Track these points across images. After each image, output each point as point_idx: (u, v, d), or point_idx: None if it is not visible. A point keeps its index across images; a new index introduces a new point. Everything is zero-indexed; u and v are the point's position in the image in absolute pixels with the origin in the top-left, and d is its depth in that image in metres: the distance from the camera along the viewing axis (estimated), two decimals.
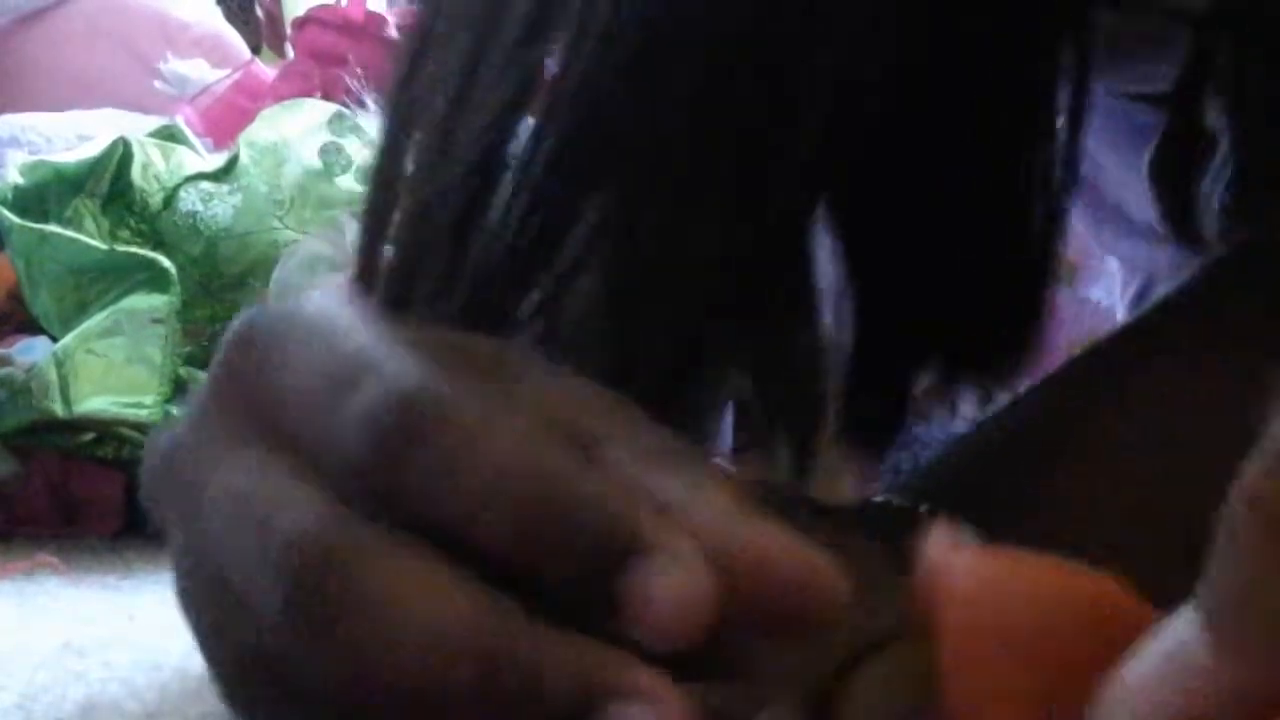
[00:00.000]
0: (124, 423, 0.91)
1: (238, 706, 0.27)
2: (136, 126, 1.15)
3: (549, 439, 0.25)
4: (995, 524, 0.24)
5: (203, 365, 0.96)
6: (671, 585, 0.24)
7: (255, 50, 1.79)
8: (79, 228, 0.99)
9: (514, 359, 0.28)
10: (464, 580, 0.24)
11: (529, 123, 0.34)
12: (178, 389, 0.94)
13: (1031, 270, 0.39)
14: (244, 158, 1.02)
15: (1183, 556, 0.22)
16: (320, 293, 0.28)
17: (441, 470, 0.24)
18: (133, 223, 1.01)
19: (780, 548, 0.24)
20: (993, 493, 0.34)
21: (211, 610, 0.26)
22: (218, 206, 1.00)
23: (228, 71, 1.39)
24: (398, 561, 0.24)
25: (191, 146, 1.08)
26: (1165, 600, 0.21)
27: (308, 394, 0.26)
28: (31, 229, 0.98)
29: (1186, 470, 0.32)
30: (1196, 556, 0.21)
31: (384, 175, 0.34)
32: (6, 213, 0.98)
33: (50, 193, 1.01)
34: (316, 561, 0.24)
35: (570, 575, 0.24)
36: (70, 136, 1.24)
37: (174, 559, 0.27)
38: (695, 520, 0.25)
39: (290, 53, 1.51)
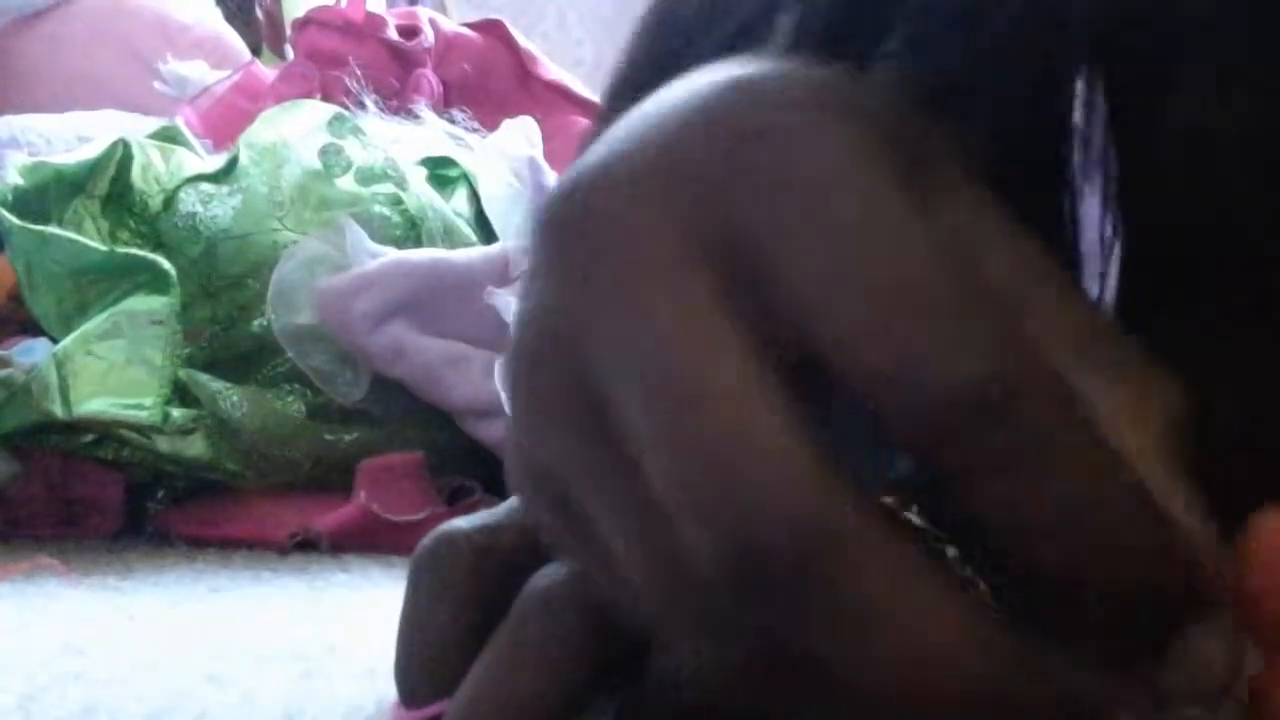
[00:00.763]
0: (124, 424, 0.91)
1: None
2: (137, 128, 1.15)
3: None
4: None
5: (203, 367, 0.96)
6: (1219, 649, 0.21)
7: (255, 51, 1.79)
8: (79, 229, 0.99)
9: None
10: (953, 585, 0.20)
11: None
12: (178, 391, 0.94)
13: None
14: (243, 159, 1.02)
15: None
16: None
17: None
18: (132, 224, 1.01)
19: (1197, 533, 0.21)
20: None
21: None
22: (217, 208, 1.00)
23: (228, 73, 1.39)
24: (900, 555, 0.20)
25: (191, 148, 1.08)
26: None
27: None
28: (31, 230, 0.98)
29: None
30: None
31: None
32: (6, 214, 0.99)
33: (50, 194, 1.01)
34: (803, 528, 0.19)
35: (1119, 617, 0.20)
36: (70, 137, 1.24)
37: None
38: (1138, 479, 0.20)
39: (290, 54, 1.51)
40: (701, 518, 0.20)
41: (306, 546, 0.88)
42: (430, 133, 1.13)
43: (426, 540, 0.31)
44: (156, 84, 1.40)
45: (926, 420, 0.20)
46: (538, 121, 1.18)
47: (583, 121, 1.25)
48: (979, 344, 0.19)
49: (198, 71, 1.39)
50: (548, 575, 0.27)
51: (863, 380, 0.20)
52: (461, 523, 0.31)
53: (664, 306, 0.21)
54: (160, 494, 0.95)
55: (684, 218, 0.21)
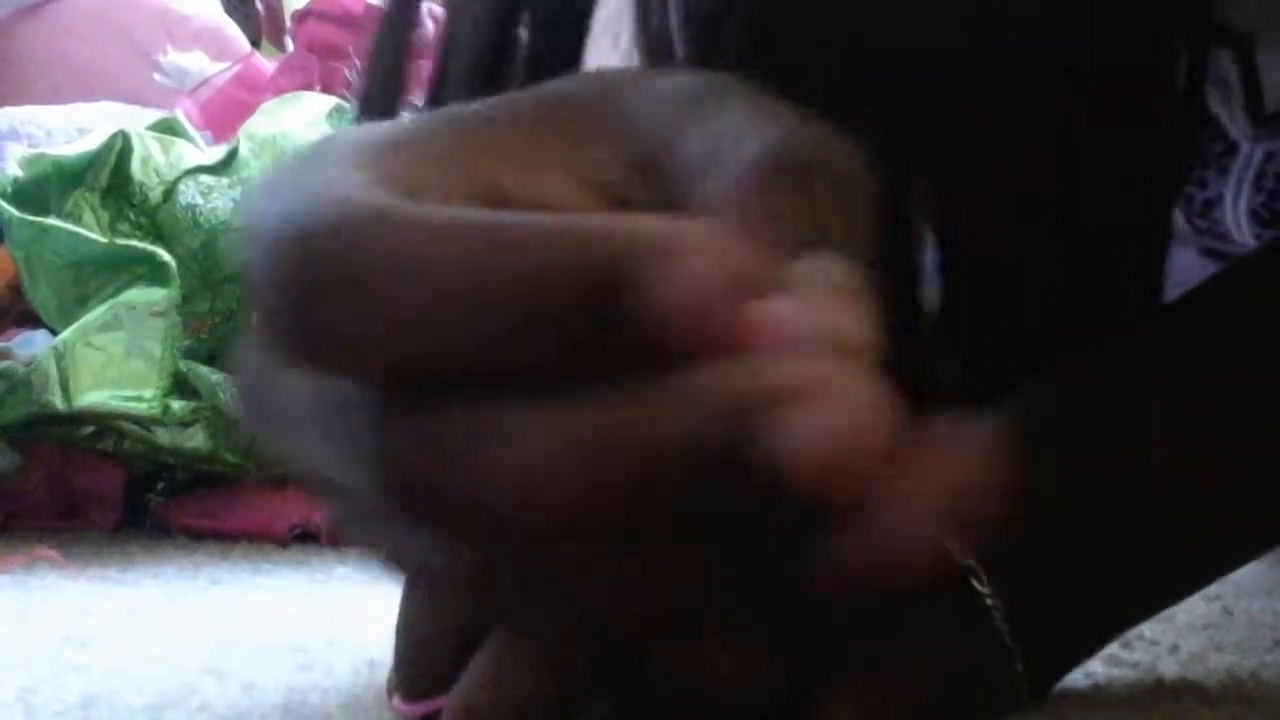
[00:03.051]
0: (124, 416, 0.91)
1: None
2: (136, 119, 1.15)
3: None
4: None
5: (203, 359, 0.96)
6: (693, 271, 0.20)
7: (255, 43, 1.79)
8: (78, 221, 0.99)
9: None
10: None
11: None
12: (178, 383, 0.94)
13: (1152, 236, 0.39)
14: (244, 151, 1.02)
15: None
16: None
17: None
18: (132, 216, 1.00)
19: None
20: None
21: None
22: (217, 200, 1.00)
23: (227, 64, 1.39)
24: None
25: (191, 139, 1.08)
26: None
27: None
28: (31, 222, 0.97)
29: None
30: None
31: None
32: (6, 205, 0.98)
33: (50, 186, 1.01)
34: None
35: (568, 321, 0.20)
36: (70, 129, 1.24)
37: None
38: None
39: (290, 46, 1.51)
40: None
41: (306, 539, 0.88)
42: None
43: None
44: (156, 76, 1.40)
45: None
46: None
47: None
48: None
49: (197, 63, 1.39)
50: None
51: None
52: None
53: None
54: (160, 486, 0.95)
55: None
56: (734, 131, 0.24)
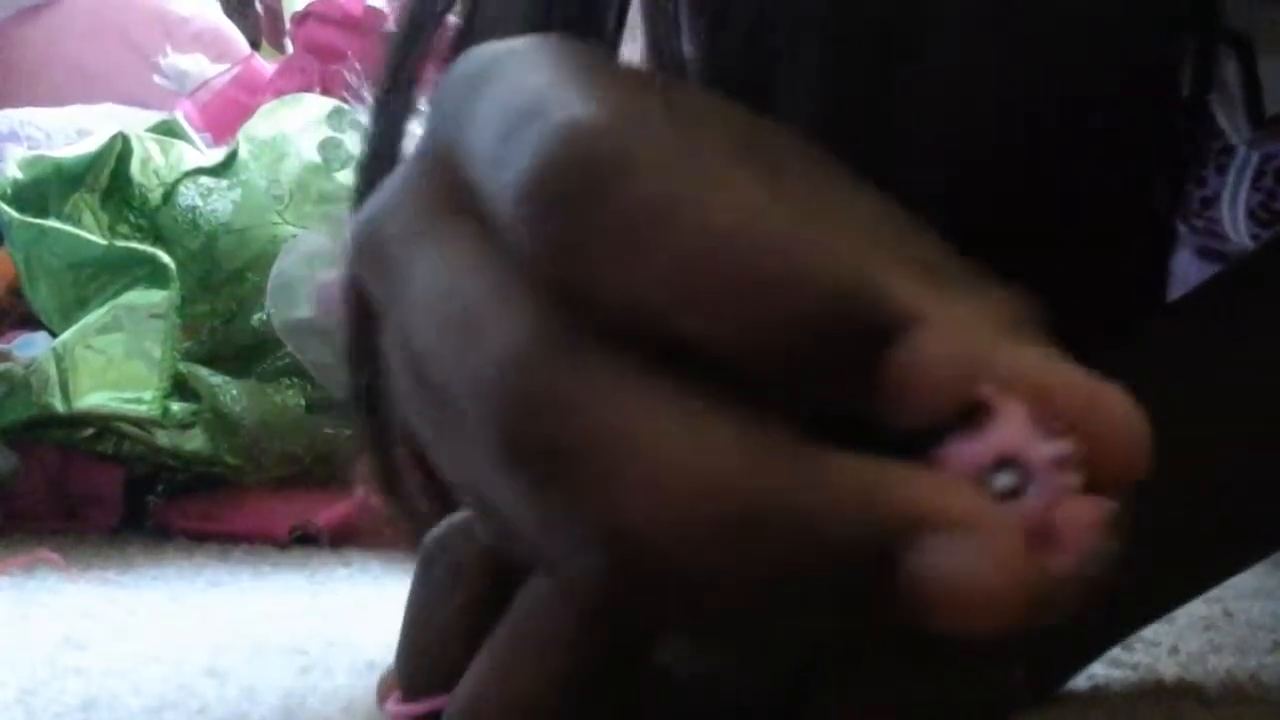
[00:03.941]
0: (123, 418, 0.91)
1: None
2: (136, 121, 1.15)
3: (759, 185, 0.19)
4: None
5: (202, 361, 0.96)
6: (946, 341, 0.19)
7: (255, 45, 1.79)
8: (78, 223, 0.99)
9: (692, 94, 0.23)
10: (718, 404, 0.18)
11: None
12: (177, 385, 0.94)
13: (1154, 242, 0.39)
14: (243, 153, 1.02)
15: None
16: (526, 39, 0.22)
17: (628, 235, 0.18)
18: (132, 218, 1.00)
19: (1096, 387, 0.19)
20: None
21: (426, 412, 0.21)
22: (217, 202, 1.00)
23: (227, 66, 1.39)
24: (637, 389, 0.18)
25: (190, 141, 1.08)
26: None
27: (483, 146, 0.20)
28: (31, 224, 0.98)
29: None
30: None
31: None
32: (6, 207, 0.98)
33: (50, 188, 1.01)
34: (537, 401, 0.19)
35: (813, 364, 0.19)
36: (70, 131, 1.24)
37: (386, 348, 0.22)
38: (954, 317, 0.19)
39: (290, 48, 1.51)
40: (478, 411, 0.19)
41: (306, 541, 0.88)
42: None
43: (437, 531, 0.31)
44: (156, 78, 1.39)
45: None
46: None
47: None
48: None
49: (197, 65, 1.39)
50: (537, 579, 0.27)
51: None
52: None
53: (431, 255, 0.21)
54: (160, 488, 0.95)
55: (430, 165, 0.22)
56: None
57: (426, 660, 0.31)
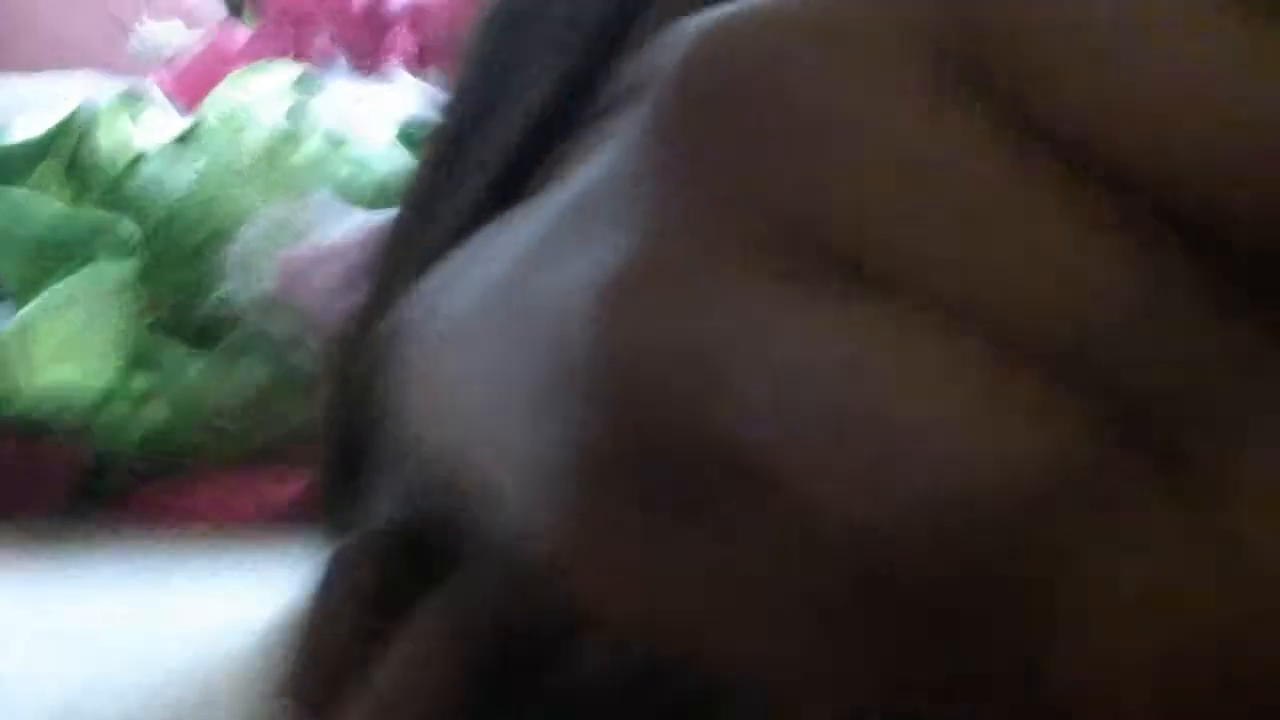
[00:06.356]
0: (81, 399, 0.91)
1: None
2: (113, 90, 1.14)
3: None
4: None
5: (166, 331, 0.95)
6: None
7: (237, 13, 1.77)
8: (46, 192, 0.98)
9: None
10: None
11: None
12: (139, 358, 0.93)
13: None
14: (208, 123, 1.01)
15: None
16: None
17: None
18: (95, 191, 0.99)
19: None
20: None
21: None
22: (181, 172, 0.99)
23: (202, 33, 1.37)
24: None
25: (159, 110, 1.07)
26: None
27: None
28: None
29: None
30: None
31: None
32: None
33: (13, 162, 1.00)
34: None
35: None
36: (47, 100, 1.23)
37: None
38: None
39: None
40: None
41: (296, 524, 0.87)
42: (403, 92, 1.11)
43: (350, 541, 0.29)
44: (131, 44, 1.38)
45: None
46: None
47: None
48: None
49: (173, 33, 1.38)
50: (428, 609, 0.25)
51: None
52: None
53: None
54: (117, 471, 0.94)
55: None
56: None
57: (321, 677, 0.29)
